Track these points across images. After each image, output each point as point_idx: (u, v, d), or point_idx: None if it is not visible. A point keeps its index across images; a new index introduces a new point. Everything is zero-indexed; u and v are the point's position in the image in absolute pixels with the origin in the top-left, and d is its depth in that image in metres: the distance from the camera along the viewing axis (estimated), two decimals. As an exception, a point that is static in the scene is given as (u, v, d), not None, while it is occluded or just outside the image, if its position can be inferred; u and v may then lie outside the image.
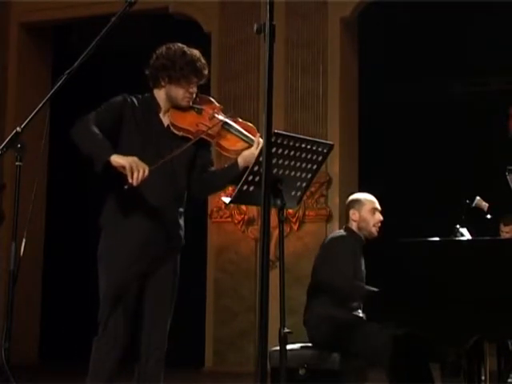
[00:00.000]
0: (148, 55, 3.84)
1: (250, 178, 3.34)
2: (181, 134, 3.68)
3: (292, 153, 3.39)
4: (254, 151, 3.63)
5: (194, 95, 3.75)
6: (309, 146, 3.45)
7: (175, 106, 3.73)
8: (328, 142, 3.61)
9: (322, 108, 8.71)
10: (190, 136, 3.67)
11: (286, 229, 8.21)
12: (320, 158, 3.53)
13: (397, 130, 9.83)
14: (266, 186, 2.53)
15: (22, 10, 9.83)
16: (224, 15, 9.15)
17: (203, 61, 3.76)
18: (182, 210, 3.77)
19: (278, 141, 3.33)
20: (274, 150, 3.26)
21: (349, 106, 9.04)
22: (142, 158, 3.50)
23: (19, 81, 9.91)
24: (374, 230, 4.87)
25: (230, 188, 3.79)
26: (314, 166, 3.52)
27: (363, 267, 4.80)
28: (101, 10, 8.51)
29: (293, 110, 8.74)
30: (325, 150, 3.53)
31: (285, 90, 8.73)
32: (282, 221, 3.34)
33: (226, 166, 3.78)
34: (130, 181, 3.40)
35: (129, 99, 3.70)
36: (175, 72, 3.68)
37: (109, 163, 3.41)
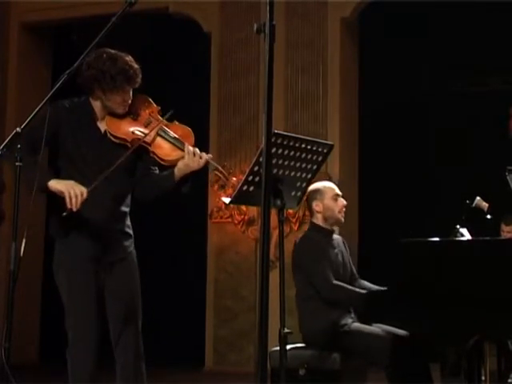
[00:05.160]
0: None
1: (250, 178, 3.34)
2: (117, 141, 3.65)
3: (292, 153, 3.39)
4: (188, 162, 3.58)
5: (130, 101, 3.69)
6: (309, 147, 3.45)
7: (111, 113, 3.69)
8: (328, 142, 3.62)
9: (322, 108, 8.71)
10: (126, 144, 3.64)
11: (286, 229, 8.20)
12: (320, 159, 3.53)
13: (397, 129, 9.83)
14: (266, 186, 2.53)
15: (22, 10, 9.83)
16: (224, 15, 9.14)
17: (135, 66, 3.66)
18: (125, 209, 3.78)
19: (278, 141, 3.33)
20: (273, 150, 3.26)
21: (349, 106, 9.03)
22: (82, 166, 3.58)
23: (19, 81, 9.91)
24: (341, 216, 4.72)
25: (231, 189, 3.78)
26: (314, 167, 3.52)
27: (339, 257, 4.70)
28: (101, 10, 8.50)
29: (293, 110, 8.74)
30: (325, 151, 3.53)
31: (285, 90, 8.73)
32: (281, 221, 3.34)
33: (163, 173, 3.72)
34: (68, 206, 3.44)
35: (59, 105, 3.65)
36: (107, 83, 3.60)
37: (47, 189, 3.45)
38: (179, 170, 3.62)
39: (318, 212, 4.70)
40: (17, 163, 3.41)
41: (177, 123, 3.72)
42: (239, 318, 8.66)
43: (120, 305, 3.70)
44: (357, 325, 4.56)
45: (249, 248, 8.71)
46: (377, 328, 4.49)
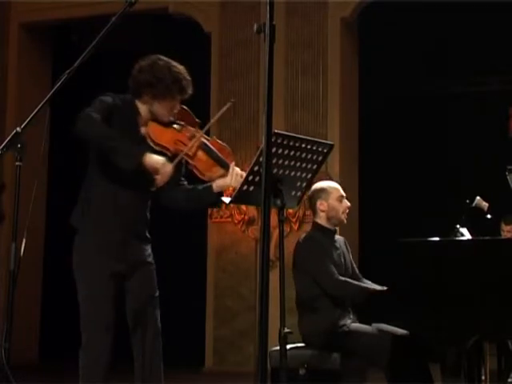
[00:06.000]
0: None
1: (250, 177, 3.34)
2: (157, 148, 3.63)
3: (292, 153, 3.39)
4: (228, 182, 3.62)
5: (177, 111, 3.71)
6: (309, 146, 3.45)
7: (155, 120, 3.68)
8: (328, 141, 3.61)
9: (322, 108, 8.71)
10: (167, 152, 3.62)
11: (286, 229, 8.20)
12: (320, 158, 3.52)
13: (397, 129, 9.83)
14: (266, 186, 2.53)
15: (22, 9, 9.83)
16: (224, 15, 9.15)
17: (188, 78, 3.71)
18: (148, 214, 3.79)
19: (278, 141, 3.33)
20: (274, 149, 3.25)
21: (349, 105, 9.04)
22: (117, 167, 3.54)
23: (19, 81, 9.91)
24: (344, 218, 4.73)
25: (231, 188, 3.78)
26: (314, 166, 3.52)
27: (341, 258, 4.72)
28: (101, 9, 8.51)
29: (293, 110, 8.74)
30: (325, 150, 3.53)
31: (285, 90, 8.73)
32: (281, 221, 3.34)
33: (200, 187, 3.72)
34: (158, 183, 3.50)
35: (116, 100, 3.67)
36: (160, 90, 3.62)
37: (141, 163, 3.45)
38: (218, 186, 3.65)
39: (321, 211, 4.69)
40: (17, 163, 3.42)
41: (216, 139, 3.73)
42: (239, 318, 8.66)
43: (140, 307, 3.70)
44: (356, 325, 4.56)
45: (249, 248, 8.72)
46: (376, 328, 4.49)
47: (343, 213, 4.71)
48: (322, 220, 4.71)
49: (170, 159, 3.58)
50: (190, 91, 3.70)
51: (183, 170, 3.79)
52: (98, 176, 3.66)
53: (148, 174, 3.51)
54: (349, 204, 4.76)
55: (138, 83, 3.65)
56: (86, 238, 3.67)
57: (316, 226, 4.73)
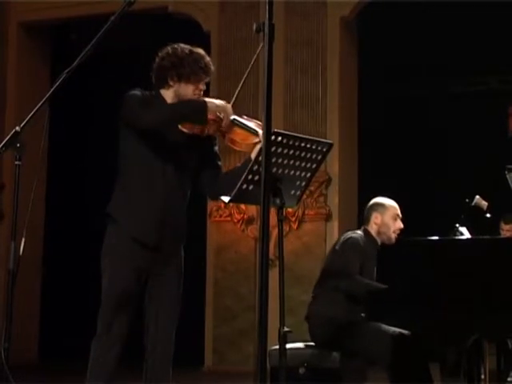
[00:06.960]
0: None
1: (250, 176, 3.33)
2: (189, 132, 3.65)
3: (291, 152, 3.38)
4: None
5: (202, 92, 3.77)
6: (308, 145, 3.44)
7: None
8: (327, 140, 3.61)
9: (321, 107, 8.70)
10: (199, 134, 3.66)
11: (286, 228, 8.20)
12: (319, 157, 3.52)
13: (396, 129, 9.83)
14: (266, 185, 2.52)
15: (22, 9, 9.82)
16: (224, 15, 9.15)
17: (208, 58, 3.80)
18: (185, 207, 3.83)
19: (278, 140, 3.32)
20: (273, 148, 3.25)
21: (348, 105, 9.03)
22: (151, 155, 3.63)
23: (18, 80, 9.91)
24: (393, 237, 4.87)
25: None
26: (314, 165, 3.51)
27: (375, 272, 4.80)
28: (100, 9, 8.50)
29: (292, 109, 8.74)
30: (324, 149, 3.52)
31: (284, 89, 8.73)
32: (281, 220, 3.33)
33: (240, 164, 3.75)
34: (224, 128, 3.59)
35: (144, 92, 3.72)
36: (184, 69, 3.71)
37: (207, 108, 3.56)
38: (257, 152, 3.62)
39: (375, 224, 4.88)
40: (16, 162, 3.41)
41: (245, 117, 3.78)
42: (239, 317, 8.66)
43: (157, 308, 3.69)
44: (359, 324, 4.58)
45: (248, 247, 8.71)
46: (378, 327, 4.50)
47: (394, 232, 4.88)
48: (372, 230, 4.87)
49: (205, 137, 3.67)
50: (211, 71, 3.80)
51: (216, 150, 3.85)
52: (134, 163, 3.68)
53: (185, 152, 3.60)
54: (402, 226, 4.91)
55: (163, 68, 3.74)
56: (118, 228, 3.66)
57: (365, 231, 4.88)
